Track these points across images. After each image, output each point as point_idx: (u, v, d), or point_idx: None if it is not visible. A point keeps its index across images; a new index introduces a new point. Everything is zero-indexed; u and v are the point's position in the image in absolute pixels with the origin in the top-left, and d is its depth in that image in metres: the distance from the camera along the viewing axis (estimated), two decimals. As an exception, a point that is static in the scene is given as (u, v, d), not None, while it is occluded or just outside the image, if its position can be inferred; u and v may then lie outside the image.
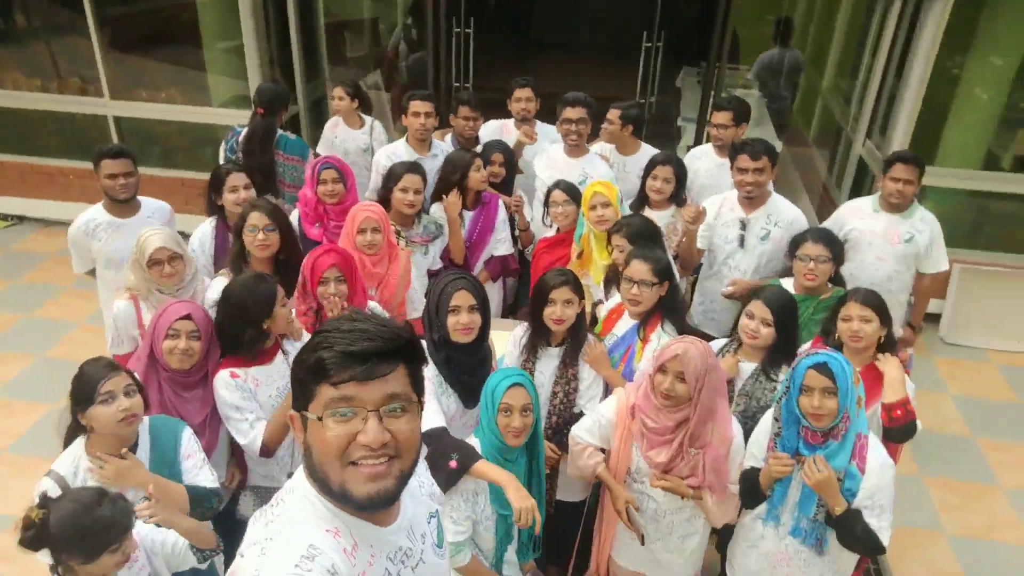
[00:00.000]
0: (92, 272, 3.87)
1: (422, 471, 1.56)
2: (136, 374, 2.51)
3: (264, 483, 2.93)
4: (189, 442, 2.53)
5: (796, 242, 3.38)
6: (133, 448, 2.40)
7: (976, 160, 5.43)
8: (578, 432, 2.78)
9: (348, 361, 1.23)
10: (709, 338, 3.16)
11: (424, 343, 2.69)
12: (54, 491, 2.26)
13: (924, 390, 5.01)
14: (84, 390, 2.31)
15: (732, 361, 2.95)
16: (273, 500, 1.35)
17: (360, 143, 4.91)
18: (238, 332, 2.71)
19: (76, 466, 2.37)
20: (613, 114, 4.33)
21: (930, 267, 3.79)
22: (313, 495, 1.30)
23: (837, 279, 3.45)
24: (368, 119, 4.98)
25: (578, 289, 2.89)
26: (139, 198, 3.76)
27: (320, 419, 1.24)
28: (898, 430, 2.79)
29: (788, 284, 3.38)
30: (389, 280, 3.42)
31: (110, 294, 3.75)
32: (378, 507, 1.29)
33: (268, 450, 2.73)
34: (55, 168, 6.57)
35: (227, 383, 2.69)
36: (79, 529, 1.95)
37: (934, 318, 5.72)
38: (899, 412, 2.77)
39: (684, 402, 2.50)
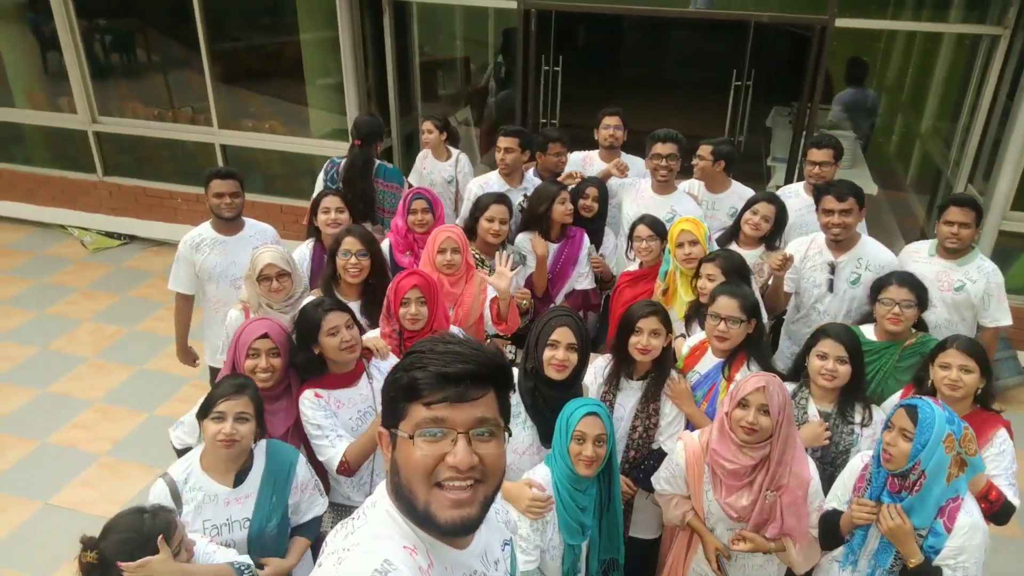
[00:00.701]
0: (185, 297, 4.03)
1: (497, 499, 1.57)
2: None
3: (345, 502, 2.96)
4: (304, 473, 2.61)
5: (879, 285, 3.23)
6: (247, 468, 2.50)
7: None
8: (658, 484, 2.76)
9: (442, 382, 1.24)
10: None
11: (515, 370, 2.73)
12: (164, 494, 2.41)
13: None
14: (207, 402, 2.43)
15: (820, 431, 2.79)
16: (355, 513, 1.37)
17: (445, 175, 5.04)
18: (296, 354, 2.81)
19: (188, 472, 2.48)
20: (705, 149, 4.29)
21: (988, 320, 3.57)
22: (395, 511, 1.31)
23: (920, 325, 3.28)
24: (455, 152, 5.12)
25: (666, 321, 2.86)
26: (244, 219, 3.96)
27: (411, 438, 1.25)
28: (993, 519, 2.61)
29: (868, 331, 3.26)
30: (464, 299, 3.48)
31: (210, 309, 3.97)
32: (460, 533, 1.29)
33: (348, 468, 2.75)
34: (165, 192, 7.02)
35: (311, 402, 2.77)
36: (130, 553, 2.06)
37: (1042, 375, 5.39)
38: (984, 506, 2.54)
39: (766, 437, 2.44)
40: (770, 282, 3.70)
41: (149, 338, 5.74)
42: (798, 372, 2.99)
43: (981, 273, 3.54)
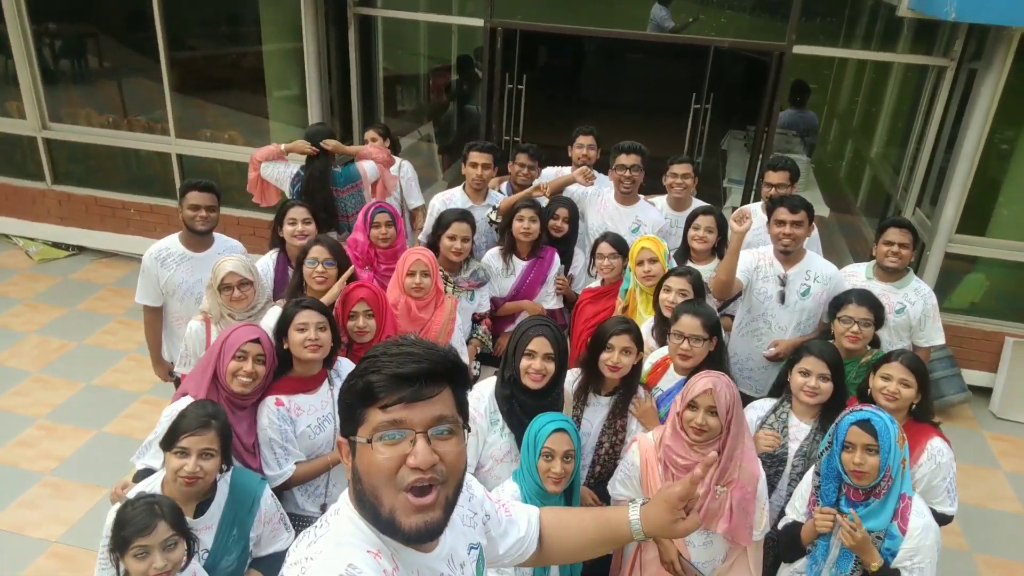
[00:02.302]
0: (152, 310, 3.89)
1: (463, 502, 1.55)
2: (193, 396, 2.58)
3: (297, 512, 2.92)
4: (269, 505, 2.53)
5: (838, 303, 3.32)
6: (210, 499, 2.42)
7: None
8: (614, 489, 2.78)
9: (397, 383, 1.24)
10: (746, 398, 3.13)
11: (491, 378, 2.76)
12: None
13: (975, 465, 4.96)
14: (171, 434, 2.35)
15: (774, 440, 2.86)
16: (318, 522, 1.36)
17: None
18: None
19: None
20: (685, 168, 4.28)
21: (923, 340, 3.70)
22: (358, 517, 1.30)
23: (874, 342, 3.38)
24: (397, 159, 5.11)
25: (638, 339, 2.89)
26: (214, 234, 3.84)
27: (369, 442, 1.25)
28: None
29: None
30: (431, 326, 3.45)
31: (172, 323, 3.86)
32: (424, 539, 1.28)
33: (286, 487, 2.79)
34: (118, 202, 6.82)
35: (270, 411, 2.74)
36: (118, 521, 2.14)
37: (985, 392, 5.61)
38: None
39: (716, 436, 2.51)
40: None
41: (98, 352, 5.55)
42: (780, 388, 3.05)
43: (919, 295, 3.66)
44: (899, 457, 2.37)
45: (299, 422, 2.78)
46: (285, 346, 2.78)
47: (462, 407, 1.32)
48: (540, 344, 2.62)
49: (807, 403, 2.88)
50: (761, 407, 3.04)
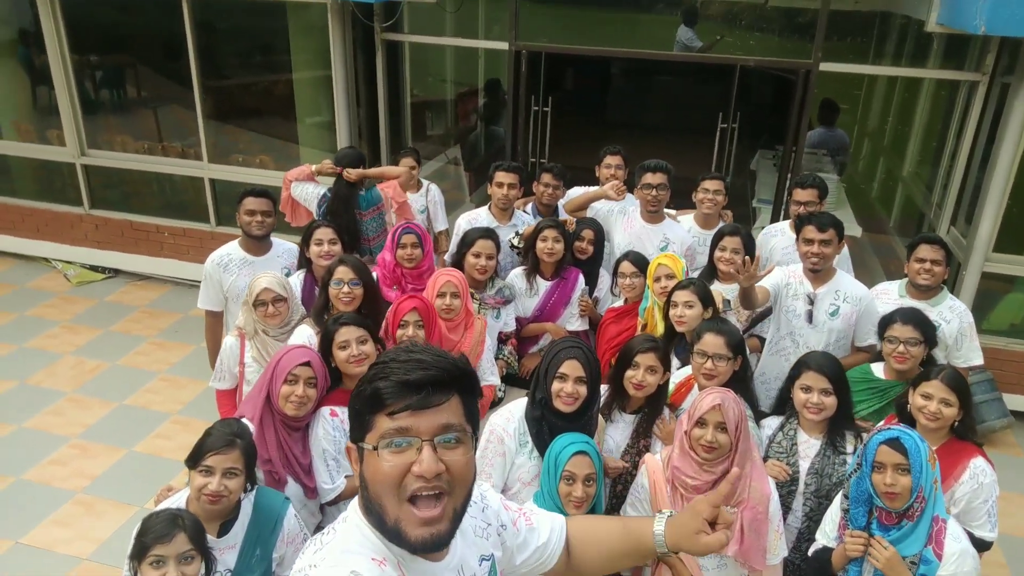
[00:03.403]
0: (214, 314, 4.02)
1: (476, 513, 1.54)
2: (249, 418, 2.62)
3: None
4: (292, 525, 2.52)
5: (884, 323, 3.23)
6: (233, 518, 2.43)
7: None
8: (625, 513, 2.74)
9: (404, 390, 1.23)
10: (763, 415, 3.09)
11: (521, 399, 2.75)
12: None
13: (1020, 493, 4.75)
14: (196, 452, 2.37)
15: (780, 472, 2.80)
16: (326, 529, 1.36)
17: (417, 205, 5.09)
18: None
19: None
20: (716, 184, 4.28)
21: (960, 360, 3.57)
22: (364, 525, 1.30)
23: (929, 362, 3.23)
24: (425, 183, 5.20)
25: (664, 359, 2.85)
26: (272, 238, 4.00)
27: (375, 449, 1.24)
28: None
29: (877, 369, 3.27)
30: (461, 347, 3.46)
31: (233, 327, 3.94)
32: (431, 550, 1.27)
33: (335, 502, 2.84)
34: (152, 226, 6.98)
35: (326, 421, 2.78)
36: (141, 529, 2.18)
37: (1025, 417, 5.42)
38: None
39: (725, 453, 2.45)
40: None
41: (131, 373, 5.65)
42: (783, 404, 2.98)
43: (954, 313, 3.56)
44: (931, 477, 2.28)
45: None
46: (332, 364, 2.86)
47: (471, 416, 1.31)
48: (572, 367, 2.57)
49: (812, 420, 2.81)
50: (768, 425, 2.98)
